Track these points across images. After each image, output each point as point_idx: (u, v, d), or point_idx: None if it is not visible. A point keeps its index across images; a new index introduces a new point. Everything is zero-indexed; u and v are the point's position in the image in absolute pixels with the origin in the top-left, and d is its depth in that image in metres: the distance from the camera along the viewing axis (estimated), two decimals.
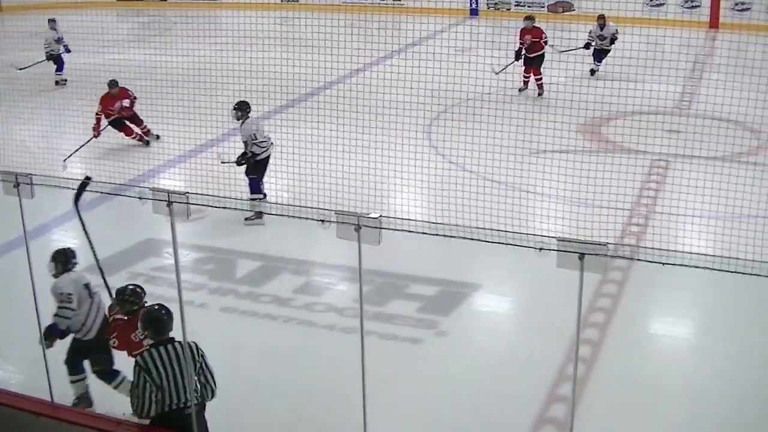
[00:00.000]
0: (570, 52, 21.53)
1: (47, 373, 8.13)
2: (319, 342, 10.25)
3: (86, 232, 8.89)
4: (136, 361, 7.22)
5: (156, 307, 7.50)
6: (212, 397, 7.37)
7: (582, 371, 9.18)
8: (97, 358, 8.91)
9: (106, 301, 8.83)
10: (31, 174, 7.63)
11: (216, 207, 6.97)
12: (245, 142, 13.44)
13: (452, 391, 9.22)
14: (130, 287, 8.44)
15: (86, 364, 8.97)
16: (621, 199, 12.59)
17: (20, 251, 8.54)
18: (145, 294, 8.49)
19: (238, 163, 13.33)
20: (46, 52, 23.33)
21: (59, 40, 23.36)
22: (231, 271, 12.07)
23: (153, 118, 15.75)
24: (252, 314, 10.84)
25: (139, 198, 6.99)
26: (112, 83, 16.93)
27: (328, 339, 10.26)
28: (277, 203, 7.62)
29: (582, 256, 5.61)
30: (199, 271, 11.82)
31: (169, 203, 6.72)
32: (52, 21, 23.49)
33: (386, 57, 20.46)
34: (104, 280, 9.03)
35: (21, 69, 22.71)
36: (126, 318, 8.38)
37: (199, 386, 7.28)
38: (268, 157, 13.66)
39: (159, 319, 7.34)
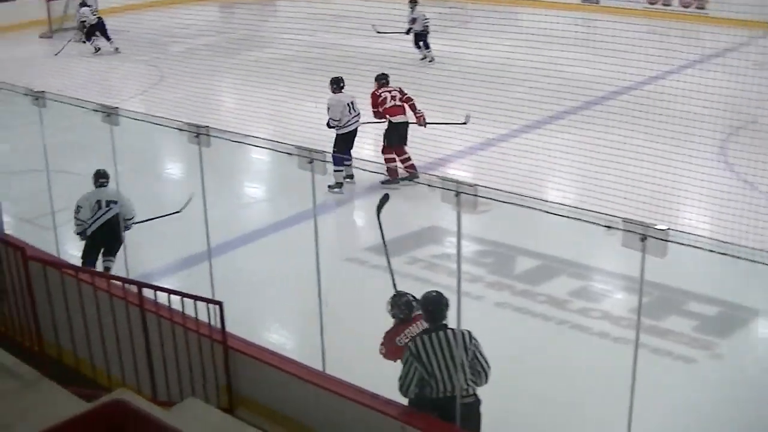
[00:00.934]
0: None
1: (321, 342, 8.45)
2: (591, 349, 10.15)
3: (381, 232, 9.22)
4: (407, 347, 7.39)
5: (434, 294, 7.64)
6: (486, 381, 7.46)
7: None
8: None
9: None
10: (325, 151, 7.93)
11: (503, 202, 7.00)
12: None
13: (721, 419, 8.91)
14: (407, 298, 8.43)
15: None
16: None
17: (307, 224, 8.95)
18: (417, 309, 8.40)
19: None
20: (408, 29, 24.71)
21: (413, 21, 24.55)
22: (510, 267, 12.15)
23: (445, 108, 15.94)
24: (526, 312, 10.86)
25: (429, 185, 7.13)
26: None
27: (600, 347, 10.14)
28: (561, 204, 7.62)
29: None
30: (479, 264, 11.99)
31: (457, 194, 6.81)
32: (413, 2, 24.94)
33: (685, 66, 19.95)
34: (391, 271, 9.29)
35: (380, 33, 24.06)
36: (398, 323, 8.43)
37: (469, 374, 7.36)
38: (349, 134, 15.04)
39: (436, 304, 7.49)
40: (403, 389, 7.47)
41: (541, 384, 9.32)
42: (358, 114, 15.24)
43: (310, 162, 7.92)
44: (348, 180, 15.09)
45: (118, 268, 10.82)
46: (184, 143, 9.09)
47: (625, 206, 10.94)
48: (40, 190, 12.38)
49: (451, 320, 7.45)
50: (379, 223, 9.27)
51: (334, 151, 14.51)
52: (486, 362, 7.44)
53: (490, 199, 6.96)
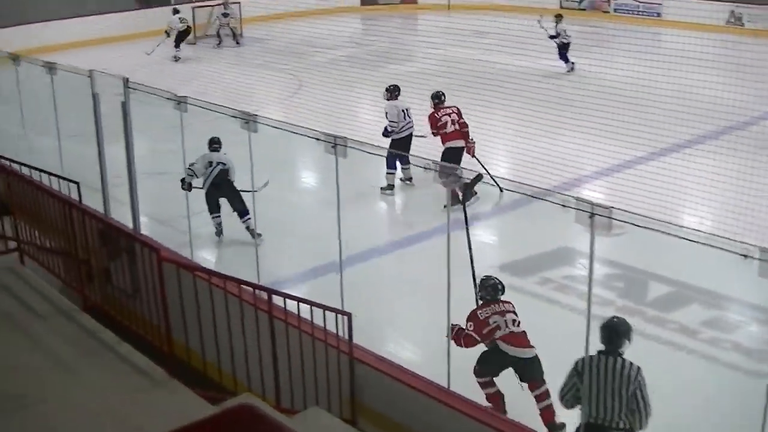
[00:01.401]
0: None
1: (447, 358, 8.44)
2: (721, 380, 9.91)
3: (467, 227, 9.28)
4: (576, 361, 7.36)
5: (614, 320, 7.58)
6: (640, 427, 7.33)
7: None
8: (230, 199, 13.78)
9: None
10: (462, 168, 7.93)
11: (637, 226, 6.90)
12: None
13: None
14: (493, 281, 9.43)
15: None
16: None
17: (440, 239, 8.98)
18: (502, 292, 9.32)
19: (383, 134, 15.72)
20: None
21: (555, 35, 24.91)
22: (641, 292, 11.94)
23: (581, 127, 15.81)
24: (655, 339, 10.65)
25: (563, 206, 7.08)
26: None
27: (729, 379, 9.88)
28: (697, 230, 7.45)
29: None
30: (609, 287, 11.80)
31: (592, 215, 6.75)
32: (558, 16, 25.33)
33: None
34: (473, 272, 9.44)
35: (542, 27, 24.51)
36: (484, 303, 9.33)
37: (625, 409, 7.24)
38: (404, 139, 15.68)
39: (611, 330, 7.42)
40: (560, 396, 7.51)
41: (668, 412, 9.12)
42: (411, 121, 15.94)
43: (447, 177, 7.94)
44: (408, 182, 15.93)
45: (249, 274, 10.94)
46: (320, 152, 9.21)
47: (764, 235, 10.70)
48: (176, 193, 12.69)
49: (579, 344, 7.34)
50: (464, 208, 9.86)
51: (388, 155, 15.05)
52: (647, 404, 7.29)
53: (625, 222, 6.87)
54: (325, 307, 8.34)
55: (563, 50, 24.90)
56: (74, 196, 10.73)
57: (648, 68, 18.15)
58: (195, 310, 8.57)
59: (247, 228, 13.57)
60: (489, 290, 9.33)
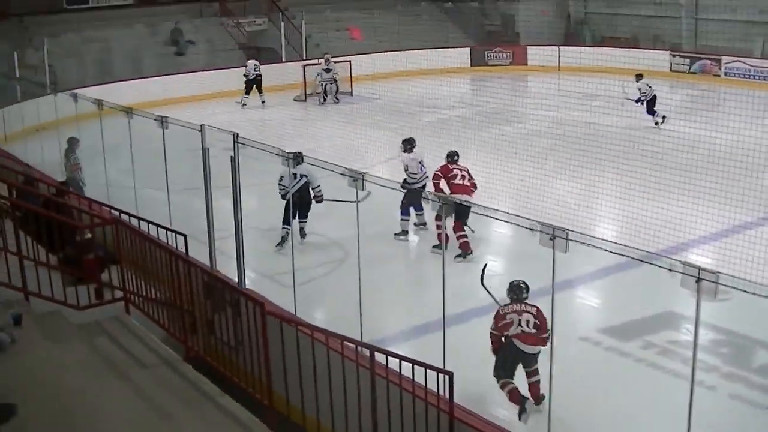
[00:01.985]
0: None
1: (548, 422, 8.33)
2: None
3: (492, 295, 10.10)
4: None
5: None
6: None
7: None
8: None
9: None
10: (568, 230, 7.86)
11: (745, 291, 6.76)
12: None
13: None
14: (517, 282, 10.41)
15: None
16: None
17: (544, 300, 8.93)
18: (527, 292, 10.31)
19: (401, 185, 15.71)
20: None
21: (639, 99, 25.10)
22: (747, 359, 11.60)
23: (692, 191, 15.61)
24: (761, 407, 10.40)
25: (670, 270, 6.98)
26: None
27: None
28: None
29: None
30: (714, 353, 11.51)
31: (698, 280, 6.66)
32: (639, 75, 25.39)
33: None
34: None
35: (625, 92, 24.99)
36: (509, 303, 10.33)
37: None
38: (421, 189, 15.99)
39: None
40: None
41: None
42: (426, 171, 16.54)
43: (552, 239, 7.88)
44: (421, 227, 16.59)
45: (352, 331, 10.93)
46: (428, 211, 9.25)
47: None
48: (282, 248, 12.71)
49: (682, 410, 7.21)
50: (487, 290, 11.09)
51: (403, 203, 15.90)
52: None
53: (732, 287, 6.75)
54: (427, 366, 8.29)
55: (651, 105, 25.01)
56: (181, 248, 10.91)
57: (759, 132, 17.82)
58: (296, 365, 8.63)
59: (302, 228, 15.93)
60: (515, 291, 10.36)
